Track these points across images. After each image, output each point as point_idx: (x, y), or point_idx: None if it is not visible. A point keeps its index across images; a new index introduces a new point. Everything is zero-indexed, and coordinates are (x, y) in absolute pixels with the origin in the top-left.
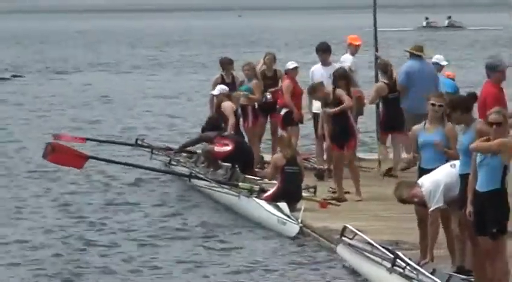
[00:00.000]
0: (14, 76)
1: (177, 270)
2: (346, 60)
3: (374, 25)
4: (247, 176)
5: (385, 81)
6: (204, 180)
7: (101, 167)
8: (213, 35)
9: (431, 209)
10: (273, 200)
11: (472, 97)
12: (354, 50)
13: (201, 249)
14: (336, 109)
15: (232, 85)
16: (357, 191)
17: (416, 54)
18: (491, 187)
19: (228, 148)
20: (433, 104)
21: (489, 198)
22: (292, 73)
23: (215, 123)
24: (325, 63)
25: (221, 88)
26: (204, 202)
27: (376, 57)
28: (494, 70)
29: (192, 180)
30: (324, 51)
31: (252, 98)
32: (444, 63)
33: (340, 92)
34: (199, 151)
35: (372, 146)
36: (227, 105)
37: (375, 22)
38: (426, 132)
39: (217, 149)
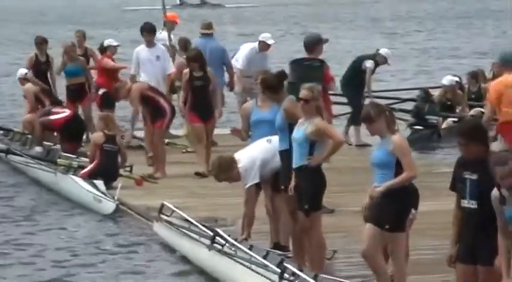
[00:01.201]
0: None
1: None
2: (165, 37)
3: None
4: (65, 154)
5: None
6: (21, 156)
7: None
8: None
9: (247, 185)
10: (89, 176)
11: (282, 75)
12: (172, 26)
13: (17, 230)
14: None
15: (47, 64)
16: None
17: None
18: (300, 163)
19: (66, 113)
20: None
21: (300, 174)
22: (113, 50)
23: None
24: (151, 44)
25: (19, 73)
26: (22, 180)
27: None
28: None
29: (9, 156)
30: (148, 31)
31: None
32: (271, 41)
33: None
34: (15, 129)
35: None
36: (26, 89)
37: None
38: (260, 109)
39: (53, 117)
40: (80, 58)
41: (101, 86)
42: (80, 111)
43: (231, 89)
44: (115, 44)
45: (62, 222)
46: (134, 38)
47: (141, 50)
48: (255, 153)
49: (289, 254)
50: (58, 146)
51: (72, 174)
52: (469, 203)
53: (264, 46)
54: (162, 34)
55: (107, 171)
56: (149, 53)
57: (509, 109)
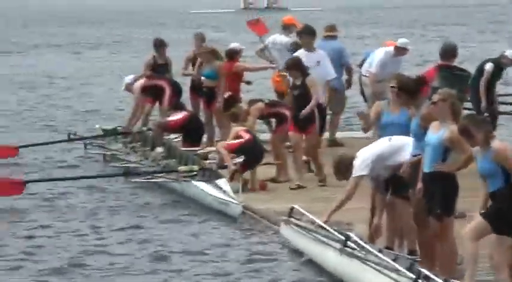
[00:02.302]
0: None
1: (138, 264)
2: (283, 41)
3: None
4: (185, 148)
5: None
6: (141, 175)
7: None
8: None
9: (353, 175)
10: (234, 151)
11: (421, 80)
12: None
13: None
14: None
15: (165, 67)
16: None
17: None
18: (432, 168)
19: (181, 115)
20: (392, 86)
21: (432, 178)
22: (240, 54)
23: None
24: (310, 49)
25: (127, 79)
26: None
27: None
28: None
29: (129, 178)
30: (308, 34)
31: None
32: (409, 47)
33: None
34: (134, 130)
35: None
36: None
37: None
38: (391, 112)
39: (170, 118)
40: (216, 62)
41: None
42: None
43: (348, 87)
44: (242, 47)
45: (186, 228)
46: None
47: (300, 54)
48: (371, 148)
49: (417, 258)
50: (178, 139)
51: (196, 181)
52: None
53: (401, 51)
54: (279, 38)
55: (253, 152)
56: (309, 58)
57: None
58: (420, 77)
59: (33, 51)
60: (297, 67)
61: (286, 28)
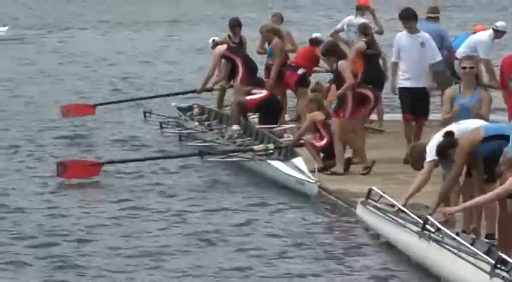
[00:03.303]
0: None
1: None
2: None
3: None
4: (261, 126)
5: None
6: (216, 154)
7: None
8: None
9: (426, 160)
10: (321, 150)
11: None
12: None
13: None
14: None
15: (240, 46)
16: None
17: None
18: None
19: (261, 94)
20: (464, 67)
21: None
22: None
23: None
24: (413, 30)
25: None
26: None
27: None
28: None
29: (204, 157)
30: (408, 18)
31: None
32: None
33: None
34: (210, 106)
35: None
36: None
37: None
38: (462, 96)
39: (249, 97)
40: (274, 41)
41: (301, 66)
42: None
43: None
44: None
45: (263, 208)
46: None
47: (402, 36)
48: (441, 133)
49: (494, 242)
50: (254, 118)
51: (270, 159)
52: None
53: (499, 34)
54: (355, 19)
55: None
56: (412, 39)
57: None
58: None
59: (105, 28)
60: (332, 52)
61: (361, 9)
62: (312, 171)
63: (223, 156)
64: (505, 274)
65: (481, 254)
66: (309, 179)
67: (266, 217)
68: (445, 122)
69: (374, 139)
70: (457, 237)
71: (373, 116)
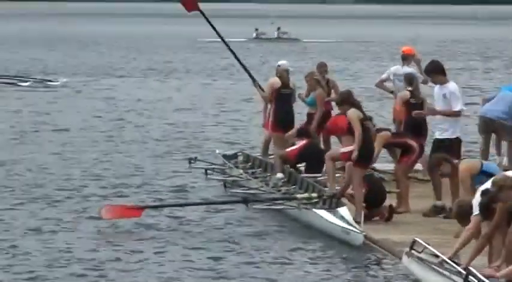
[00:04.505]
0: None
1: None
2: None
3: None
4: (306, 174)
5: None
6: (261, 201)
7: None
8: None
9: (473, 214)
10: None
11: None
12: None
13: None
14: None
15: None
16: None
17: None
18: None
19: (298, 145)
20: None
21: None
22: None
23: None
24: (439, 82)
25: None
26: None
27: None
28: None
29: (250, 204)
30: (437, 72)
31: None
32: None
33: None
34: (254, 155)
35: None
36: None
37: None
38: None
39: (288, 149)
40: (318, 91)
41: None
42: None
43: None
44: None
45: (305, 257)
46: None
47: (435, 88)
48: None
49: None
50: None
51: (315, 208)
52: None
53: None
54: (403, 69)
55: (375, 194)
56: (437, 91)
57: None
58: None
59: (144, 77)
60: (346, 101)
61: (406, 58)
62: (357, 221)
63: (268, 203)
64: None
65: None
66: (354, 229)
67: (307, 265)
68: None
69: (418, 188)
70: None
71: (418, 166)
